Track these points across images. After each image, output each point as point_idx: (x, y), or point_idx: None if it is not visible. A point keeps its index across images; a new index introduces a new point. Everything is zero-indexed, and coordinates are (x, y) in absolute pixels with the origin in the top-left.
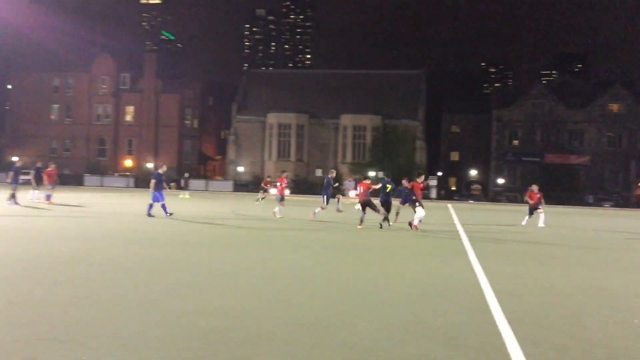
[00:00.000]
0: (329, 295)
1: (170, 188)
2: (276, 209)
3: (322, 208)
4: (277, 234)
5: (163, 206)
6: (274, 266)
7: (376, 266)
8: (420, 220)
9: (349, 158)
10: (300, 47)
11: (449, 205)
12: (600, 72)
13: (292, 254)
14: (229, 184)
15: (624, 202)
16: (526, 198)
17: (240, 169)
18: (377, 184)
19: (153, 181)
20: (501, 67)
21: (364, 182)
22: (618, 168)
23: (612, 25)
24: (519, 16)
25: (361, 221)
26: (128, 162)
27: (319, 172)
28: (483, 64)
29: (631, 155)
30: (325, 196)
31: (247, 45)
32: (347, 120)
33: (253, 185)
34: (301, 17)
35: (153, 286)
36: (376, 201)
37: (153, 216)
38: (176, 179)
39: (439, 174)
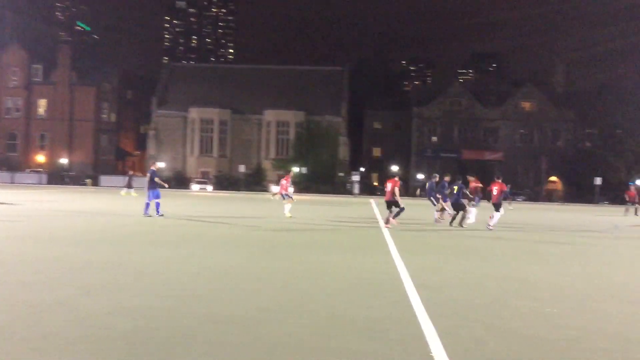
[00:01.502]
0: (252, 292)
1: (86, 184)
2: (285, 209)
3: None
4: (203, 232)
5: (157, 205)
6: (197, 264)
7: (299, 262)
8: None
9: (272, 154)
10: (223, 41)
11: (372, 201)
12: (514, 71)
13: (217, 252)
14: (136, 180)
15: (535, 196)
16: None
17: (161, 164)
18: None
19: (148, 179)
20: (421, 65)
21: (393, 179)
22: (530, 163)
23: (524, 26)
24: (437, 16)
25: (388, 220)
26: (40, 158)
27: (242, 168)
28: (403, 62)
29: (542, 151)
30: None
31: (167, 37)
32: (270, 115)
33: (175, 181)
34: (223, 10)
35: (67, 286)
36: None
37: (150, 216)
38: (90, 175)
39: (362, 169)
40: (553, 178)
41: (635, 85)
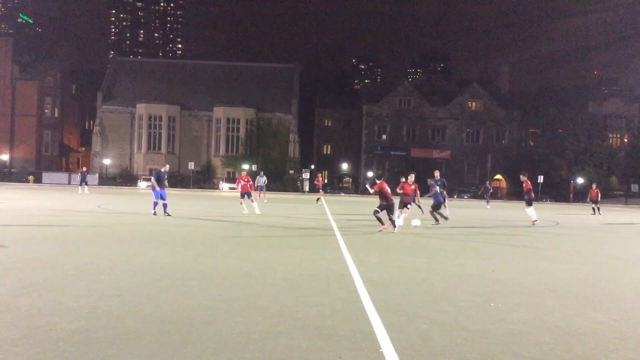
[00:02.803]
0: (200, 290)
1: (29, 181)
2: (254, 206)
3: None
4: (149, 230)
5: (164, 205)
6: (142, 262)
7: (248, 259)
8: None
9: (222, 151)
10: (171, 36)
11: (323, 198)
12: (460, 71)
13: (163, 249)
14: (94, 178)
15: (481, 193)
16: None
17: (107, 161)
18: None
19: (154, 179)
20: (371, 64)
21: (405, 183)
22: (475, 162)
23: (470, 27)
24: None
25: (393, 223)
26: None
27: (191, 165)
28: (354, 61)
29: (487, 149)
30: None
31: (113, 31)
32: (220, 112)
33: (121, 178)
34: (172, 4)
35: (5, 286)
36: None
37: (156, 214)
38: (33, 172)
39: (312, 167)
40: (498, 176)
41: (575, 86)
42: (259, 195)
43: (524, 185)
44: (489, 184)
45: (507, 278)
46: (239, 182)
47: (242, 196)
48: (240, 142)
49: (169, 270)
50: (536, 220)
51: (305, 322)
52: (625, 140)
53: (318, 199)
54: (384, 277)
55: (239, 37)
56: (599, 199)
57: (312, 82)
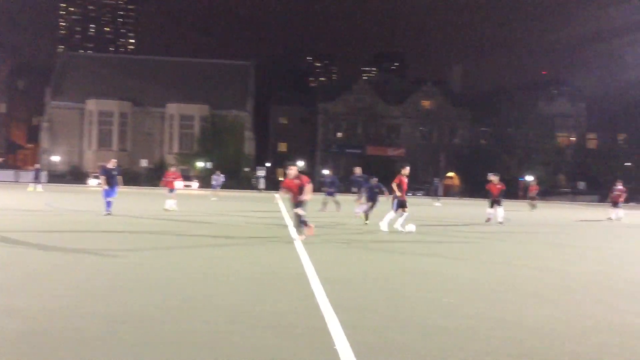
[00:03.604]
0: (153, 290)
1: None
2: (171, 203)
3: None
4: (99, 228)
5: (108, 203)
6: (93, 262)
7: (203, 258)
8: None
9: (175, 148)
10: (123, 30)
11: (277, 196)
12: (415, 71)
13: (114, 249)
14: (43, 175)
15: (430, 191)
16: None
17: (56, 158)
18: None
19: (103, 177)
20: (326, 62)
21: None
22: (429, 160)
23: (424, 27)
24: (342, 13)
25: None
26: None
27: (144, 163)
28: (309, 58)
29: (441, 148)
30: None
31: (63, 25)
32: (173, 109)
33: (70, 175)
34: None
35: None
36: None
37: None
38: None
39: (267, 164)
40: (450, 174)
41: (526, 86)
42: (216, 194)
43: (498, 186)
44: (438, 181)
45: (460, 274)
46: (168, 177)
47: (171, 191)
48: (194, 140)
49: (122, 270)
50: (490, 219)
51: (260, 321)
52: (573, 139)
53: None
54: (340, 275)
55: (193, 33)
56: (535, 195)
57: (268, 79)
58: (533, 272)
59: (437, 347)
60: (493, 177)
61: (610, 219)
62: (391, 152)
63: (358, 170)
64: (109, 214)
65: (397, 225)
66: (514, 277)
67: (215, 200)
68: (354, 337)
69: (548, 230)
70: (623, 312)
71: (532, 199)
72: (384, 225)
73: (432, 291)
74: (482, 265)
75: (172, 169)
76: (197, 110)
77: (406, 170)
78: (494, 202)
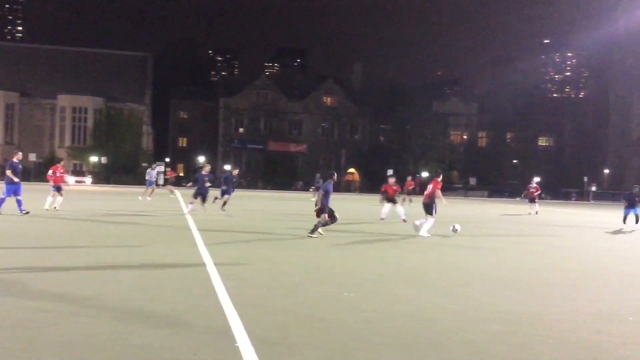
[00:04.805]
0: (41, 291)
1: None
2: (52, 201)
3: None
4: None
5: (18, 202)
6: None
7: (98, 256)
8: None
9: (67, 142)
10: (10, 17)
11: (177, 192)
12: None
13: (3, 248)
14: None
15: (335, 187)
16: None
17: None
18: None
19: (9, 171)
20: (228, 56)
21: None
22: (331, 156)
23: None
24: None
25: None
26: None
27: (32, 157)
28: (210, 52)
29: (341, 144)
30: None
31: None
32: (65, 100)
33: None
34: None
35: None
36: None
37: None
38: None
39: (167, 160)
40: (351, 170)
41: (422, 86)
42: (151, 192)
43: (394, 187)
44: (319, 177)
45: (361, 268)
46: (55, 172)
47: (56, 189)
48: (88, 133)
49: (7, 270)
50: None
51: (159, 320)
52: (465, 137)
53: (172, 191)
54: (241, 272)
55: (87, 22)
56: (413, 190)
57: (167, 72)
58: (432, 265)
59: (338, 341)
60: (391, 180)
61: (530, 213)
62: (293, 147)
63: (207, 169)
64: (26, 213)
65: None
66: (412, 270)
67: (147, 199)
68: (256, 334)
69: (441, 225)
70: (511, 301)
71: (409, 194)
72: (423, 232)
73: (333, 285)
74: (381, 258)
75: (60, 164)
76: (90, 103)
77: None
78: (389, 201)
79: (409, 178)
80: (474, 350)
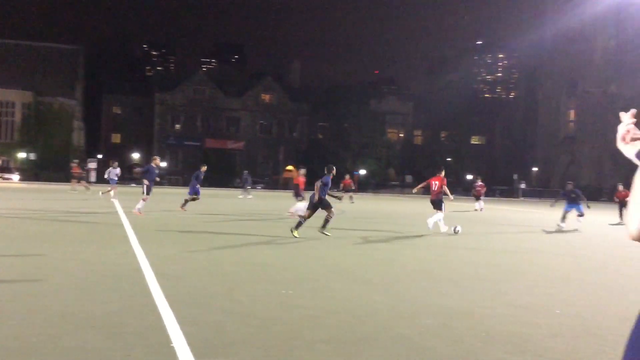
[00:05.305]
0: None
1: None
2: None
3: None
4: None
5: None
6: None
7: (24, 256)
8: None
9: None
10: None
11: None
12: (255, 64)
13: None
14: None
15: (274, 184)
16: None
17: None
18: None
19: None
20: (163, 50)
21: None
22: (269, 153)
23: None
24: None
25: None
26: None
27: None
28: (145, 46)
29: (280, 141)
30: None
31: None
32: None
33: None
34: None
35: None
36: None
37: None
38: None
39: (99, 156)
40: (289, 167)
41: (360, 84)
42: (109, 190)
43: (301, 178)
44: (247, 174)
45: (298, 265)
46: None
47: None
48: (15, 128)
49: None
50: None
51: (91, 322)
52: (401, 135)
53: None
54: (177, 270)
55: (13, 12)
56: (352, 187)
57: (100, 66)
58: (366, 261)
59: (276, 338)
60: (301, 171)
61: (476, 210)
62: (231, 145)
63: (157, 161)
64: None
65: (444, 228)
66: (348, 267)
67: (110, 197)
68: (192, 334)
69: (375, 220)
70: (444, 296)
71: (347, 191)
72: (443, 228)
73: (271, 283)
74: (318, 256)
75: None
76: (18, 97)
77: (442, 171)
78: (297, 195)
79: (347, 176)
80: (408, 345)
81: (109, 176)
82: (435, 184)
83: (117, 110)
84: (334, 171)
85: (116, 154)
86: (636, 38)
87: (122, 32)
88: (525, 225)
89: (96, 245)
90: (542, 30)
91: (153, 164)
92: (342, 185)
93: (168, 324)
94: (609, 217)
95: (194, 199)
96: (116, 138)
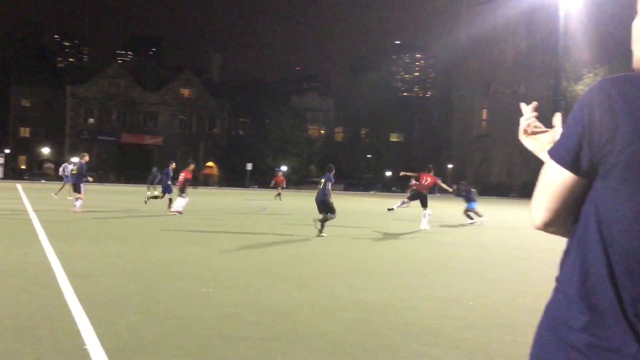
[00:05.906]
0: None
1: None
2: None
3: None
4: None
5: None
6: None
7: None
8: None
9: None
10: None
11: (19, 186)
12: (173, 57)
13: None
14: None
15: (158, 181)
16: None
17: None
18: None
19: None
20: (76, 41)
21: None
22: (189, 149)
23: (184, 14)
24: None
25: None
26: None
27: None
28: (57, 37)
29: (200, 137)
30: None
31: None
32: None
33: None
34: None
35: None
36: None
37: None
38: None
39: (7, 151)
40: (210, 163)
41: (281, 80)
42: (62, 188)
43: (186, 174)
44: (156, 170)
45: (218, 262)
46: None
47: None
48: None
49: None
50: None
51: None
52: (323, 132)
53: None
54: (91, 270)
55: None
56: (284, 184)
57: (7, 56)
58: (288, 258)
59: (193, 338)
60: (190, 166)
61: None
62: (148, 140)
63: (87, 158)
64: None
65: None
66: (270, 263)
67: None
68: (106, 335)
69: (297, 217)
70: (364, 291)
71: (281, 188)
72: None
73: (190, 281)
74: (239, 252)
75: None
76: None
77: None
78: (182, 192)
79: (280, 173)
80: (329, 339)
81: (63, 173)
82: (426, 179)
83: (25, 102)
84: (334, 170)
85: (25, 149)
86: (545, 41)
87: (32, 21)
88: (440, 221)
89: (3, 244)
90: (458, 32)
91: (83, 160)
92: (273, 182)
93: (81, 325)
94: (520, 213)
95: (155, 197)
96: (25, 132)
